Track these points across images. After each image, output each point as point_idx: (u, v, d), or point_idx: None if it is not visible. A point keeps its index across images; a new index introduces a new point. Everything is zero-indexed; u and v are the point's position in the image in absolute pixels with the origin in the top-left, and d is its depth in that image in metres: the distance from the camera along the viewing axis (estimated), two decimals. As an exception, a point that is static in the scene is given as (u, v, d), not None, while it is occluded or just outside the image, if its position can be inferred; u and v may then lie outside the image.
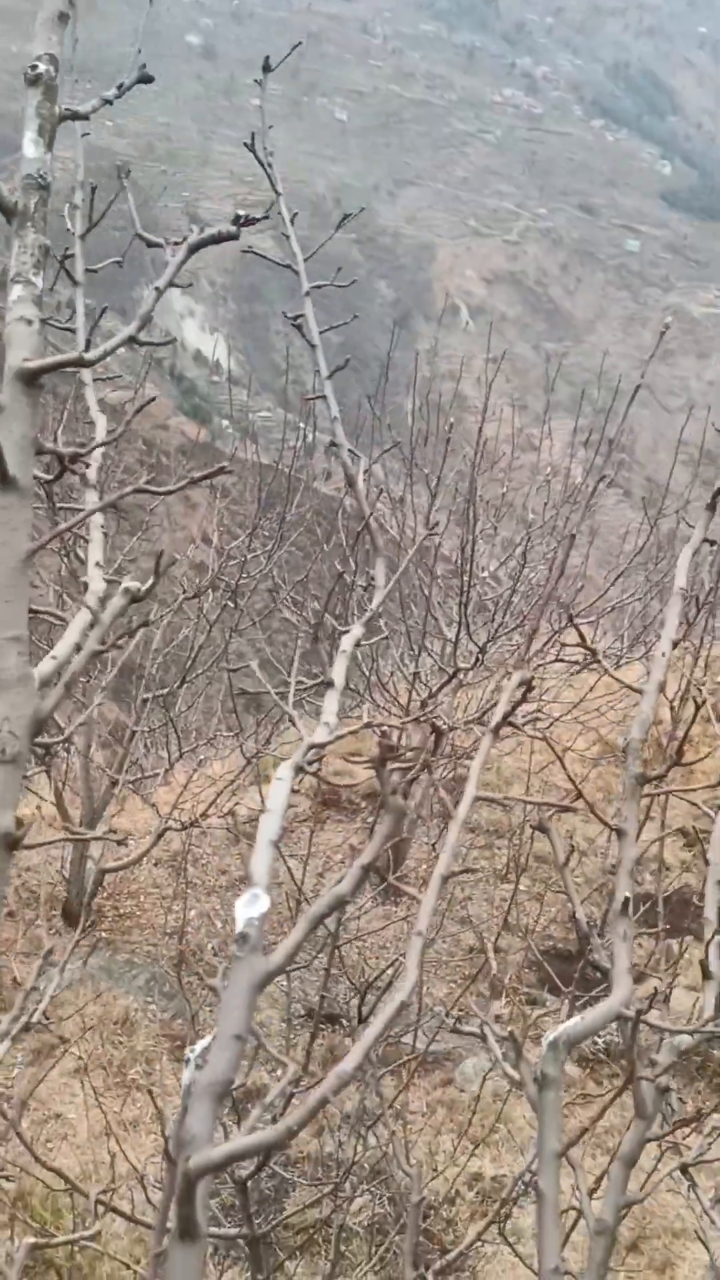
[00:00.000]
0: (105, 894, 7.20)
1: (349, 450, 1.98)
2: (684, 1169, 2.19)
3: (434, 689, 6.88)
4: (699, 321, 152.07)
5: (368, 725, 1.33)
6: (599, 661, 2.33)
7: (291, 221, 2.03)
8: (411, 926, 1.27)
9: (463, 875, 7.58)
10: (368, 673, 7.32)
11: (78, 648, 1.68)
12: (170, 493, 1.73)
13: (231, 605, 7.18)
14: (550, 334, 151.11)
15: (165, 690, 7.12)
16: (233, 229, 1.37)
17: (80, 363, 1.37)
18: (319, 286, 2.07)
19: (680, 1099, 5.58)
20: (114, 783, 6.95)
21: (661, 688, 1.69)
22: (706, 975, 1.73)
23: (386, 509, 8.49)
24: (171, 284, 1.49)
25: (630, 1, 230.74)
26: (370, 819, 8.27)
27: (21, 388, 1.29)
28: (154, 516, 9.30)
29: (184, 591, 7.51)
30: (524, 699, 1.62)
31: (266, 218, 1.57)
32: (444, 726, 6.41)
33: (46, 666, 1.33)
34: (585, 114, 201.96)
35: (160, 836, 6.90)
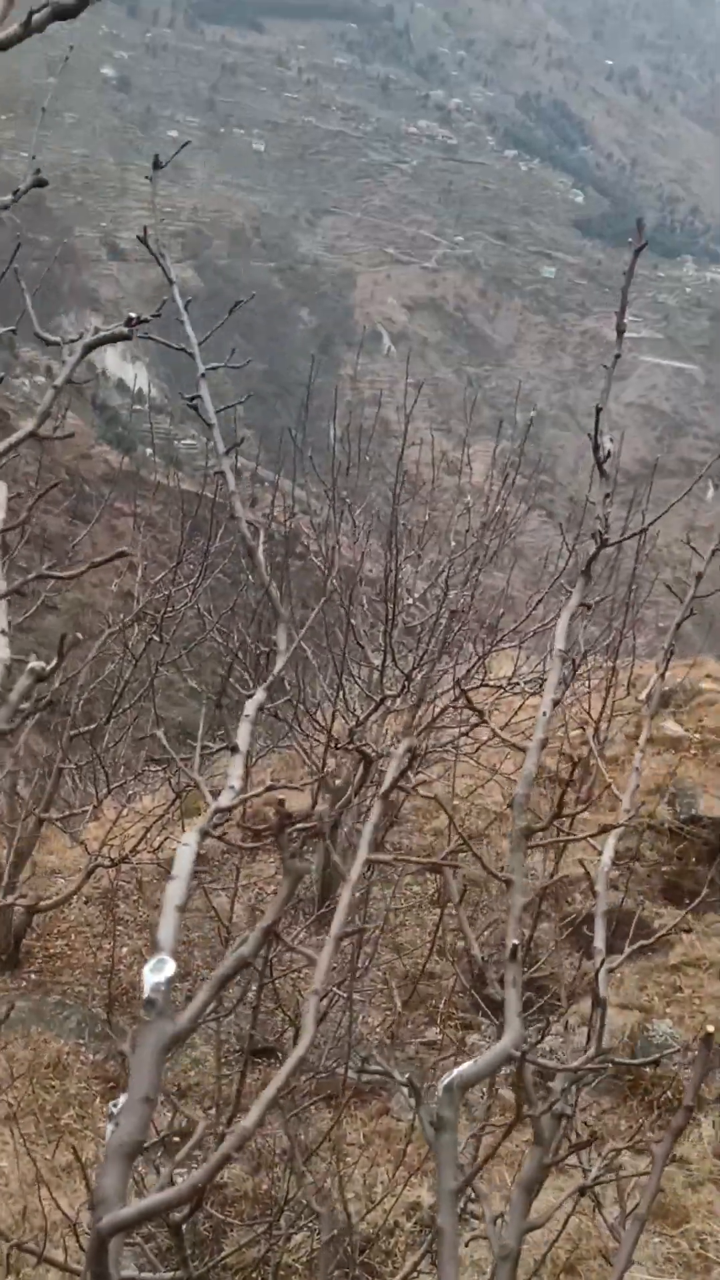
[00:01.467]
0: (35, 934, 7.08)
1: (247, 523, 2.01)
2: (583, 1191, 2.23)
3: (361, 716, 6.90)
4: (614, 345, 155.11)
5: (270, 788, 1.34)
6: (485, 722, 2.40)
7: (185, 307, 2.05)
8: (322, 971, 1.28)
9: (395, 902, 7.58)
10: (295, 702, 7.31)
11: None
12: (73, 577, 1.74)
13: (157, 639, 7.14)
14: (471, 359, 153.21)
15: (92, 725, 7.04)
16: (125, 329, 1.40)
17: None
18: (214, 368, 2.09)
19: (599, 1120, 5.63)
20: (40, 821, 6.85)
21: (544, 745, 1.77)
22: (596, 1002, 1.77)
23: (311, 533, 8.52)
24: (69, 380, 1.51)
25: (539, 34, 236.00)
26: (302, 849, 8.25)
27: None
28: (77, 549, 9.23)
29: (109, 624, 7.45)
30: (411, 765, 1.66)
31: (159, 315, 1.61)
32: (372, 754, 6.43)
33: None
34: (498, 144, 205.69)
35: (90, 874, 6.81)
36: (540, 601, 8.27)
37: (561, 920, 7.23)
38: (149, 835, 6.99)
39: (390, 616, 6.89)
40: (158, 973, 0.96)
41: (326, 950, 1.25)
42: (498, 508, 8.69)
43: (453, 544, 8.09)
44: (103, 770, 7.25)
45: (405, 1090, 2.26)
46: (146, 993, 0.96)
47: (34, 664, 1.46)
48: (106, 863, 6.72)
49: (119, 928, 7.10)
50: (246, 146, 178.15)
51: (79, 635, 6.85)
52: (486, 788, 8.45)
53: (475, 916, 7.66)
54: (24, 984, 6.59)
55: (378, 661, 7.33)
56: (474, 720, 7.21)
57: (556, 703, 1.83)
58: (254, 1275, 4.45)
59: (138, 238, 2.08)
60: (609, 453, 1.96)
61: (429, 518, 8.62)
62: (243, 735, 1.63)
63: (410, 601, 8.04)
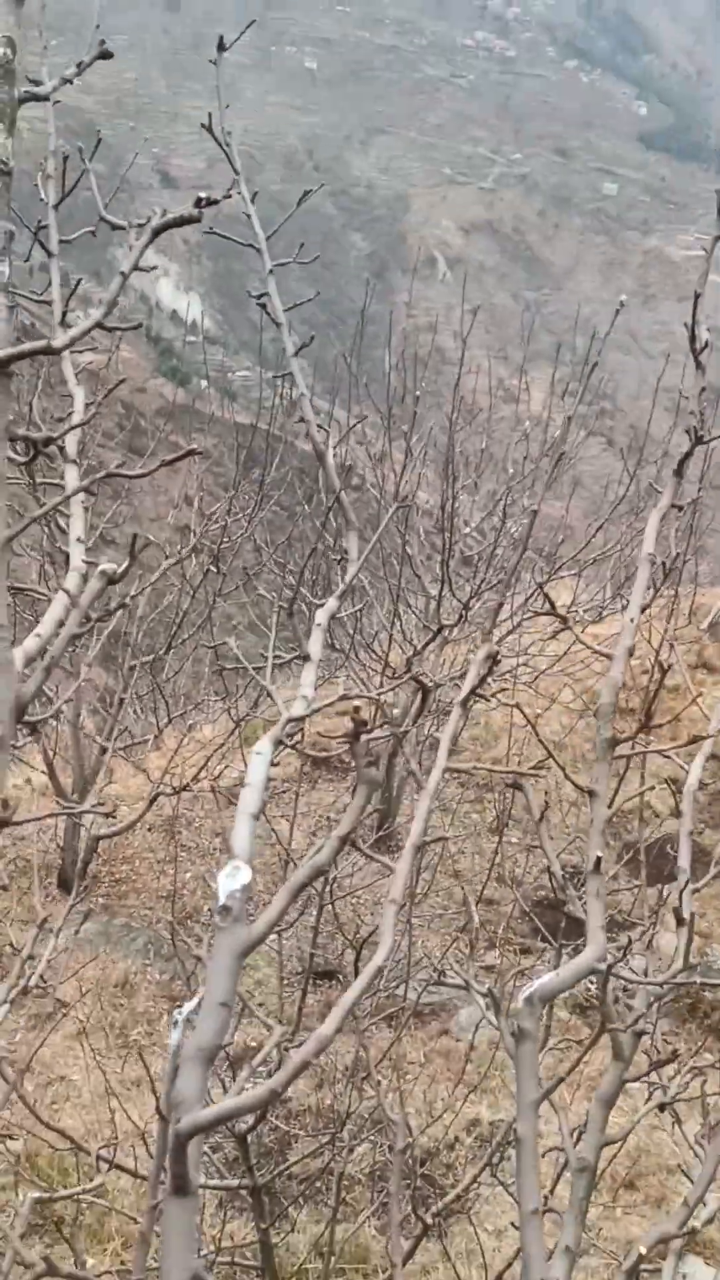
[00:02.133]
0: (100, 860, 7.27)
1: (318, 425, 1.99)
2: (662, 1107, 2.26)
3: (418, 647, 6.92)
4: (678, 265, 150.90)
5: (344, 698, 1.35)
6: (568, 627, 2.39)
7: (252, 200, 2.02)
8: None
9: (453, 829, 7.66)
10: (352, 632, 7.34)
11: (60, 624, 1.69)
12: (143, 475, 1.75)
13: (214, 570, 7.18)
14: (529, 282, 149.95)
15: (152, 657, 7.14)
16: (195, 211, 1.37)
17: (47, 350, 1.38)
18: (282, 264, 2.07)
19: (666, 1041, 5.69)
20: (104, 750, 6.99)
21: (630, 652, 1.73)
22: (680, 922, 1.78)
23: (368, 464, 8.47)
24: (137, 268, 1.50)
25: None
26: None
27: (-8, 377, 1.29)
28: (135, 481, 9.29)
29: (166, 556, 7.51)
30: (490, 671, 1.66)
31: (229, 197, 1.57)
32: (429, 684, 6.45)
33: (31, 644, 1.35)
34: (558, 55, 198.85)
35: (152, 802, 6.95)
36: (600, 529, 8.17)
37: (622, 848, 7.26)
38: (209, 764, 7.10)
39: (447, 546, 6.85)
40: (233, 879, 0.98)
41: (404, 859, 1.27)
42: (557, 435, 8.58)
43: (510, 472, 8.01)
44: (163, 700, 7.36)
45: (483, 1003, 2.29)
46: (221, 900, 0.98)
47: (104, 566, 1.48)
48: (168, 791, 6.85)
49: (181, 854, 7.26)
50: (298, 65, 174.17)
51: (150, 538, 6.90)
52: (545, 717, 8.45)
53: (533, 845, 7.73)
54: (92, 907, 6.78)
55: (435, 591, 7.32)
56: (555, 628, 7.11)
57: (644, 608, 1.77)
58: (318, 1185, 4.61)
59: (201, 125, 2.04)
60: (707, 343, 1.85)
61: (485, 446, 8.52)
62: (315, 644, 1.64)
63: (467, 531, 8.00)
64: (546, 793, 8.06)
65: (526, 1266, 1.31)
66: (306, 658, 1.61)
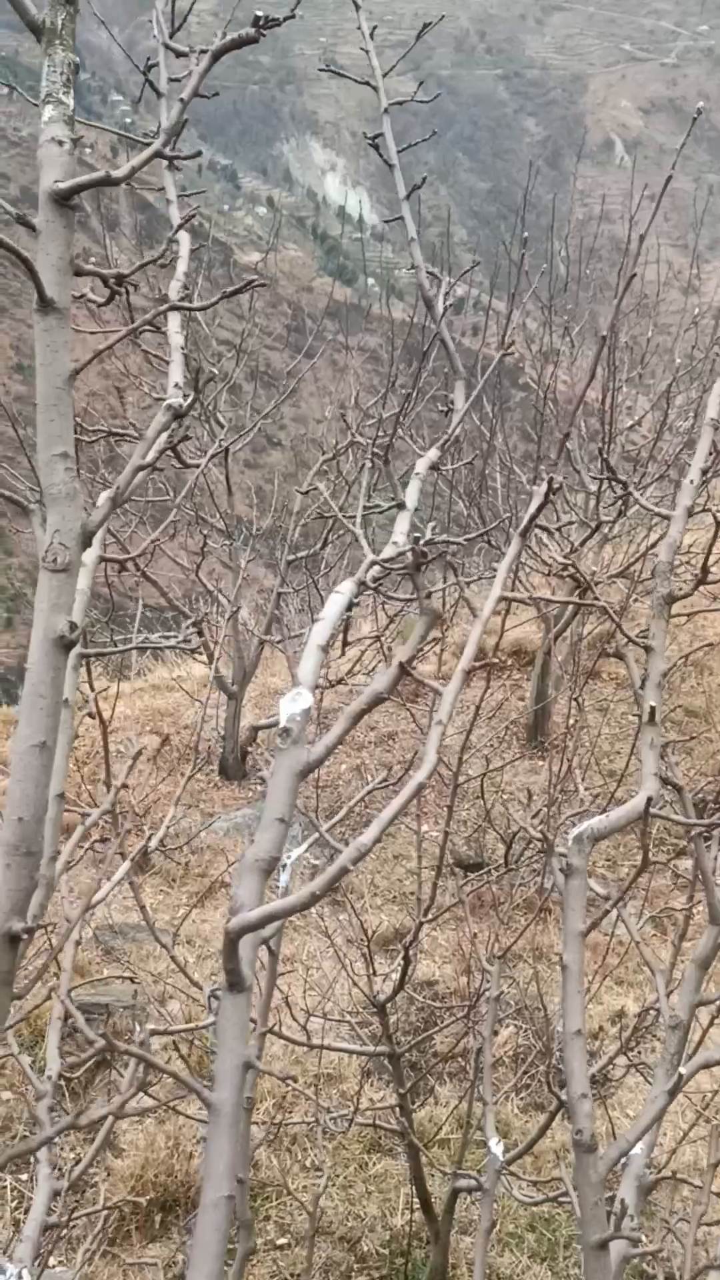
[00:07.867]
0: (260, 749, 7.51)
1: (429, 272, 1.97)
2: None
3: (576, 543, 6.80)
4: None
5: (424, 542, 1.36)
6: (630, 493, 2.34)
7: (371, 35, 1.99)
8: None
9: (606, 729, 7.59)
10: (507, 526, 7.26)
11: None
12: (203, 308, 1.77)
13: (370, 465, 7.18)
14: (713, 165, 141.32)
15: (308, 552, 7.24)
16: (253, 32, 1.36)
17: (107, 181, 1.39)
18: (398, 103, 2.03)
19: None
20: (262, 644, 7.18)
21: (690, 512, 1.75)
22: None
23: (530, 358, 8.25)
24: (196, 94, 1.50)
25: None
26: (515, 676, 8.33)
27: (55, 209, 1.31)
28: (300, 383, 9.38)
29: (323, 453, 7.55)
30: (547, 501, 1.65)
31: (292, 17, 1.54)
32: (588, 581, 6.35)
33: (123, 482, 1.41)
34: None
35: (309, 694, 7.12)
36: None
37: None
38: (363, 658, 7.21)
39: (607, 439, 6.67)
40: (294, 703, 1.02)
41: (453, 683, 1.30)
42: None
43: (677, 363, 7.69)
44: (319, 595, 7.48)
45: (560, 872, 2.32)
46: (283, 722, 1.02)
47: (171, 400, 1.52)
48: (324, 684, 6.99)
49: (339, 746, 7.43)
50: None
51: (211, 370, 6.84)
52: (710, 616, 8.22)
53: (692, 747, 7.60)
54: (250, 794, 7.04)
55: (594, 487, 7.16)
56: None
57: (705, 472, 1.80)
58: (462, 1064, 4.75)
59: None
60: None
61: (651, 335, 8.19)
62: (411, 493, 1.67)
63: (630, 424, 7.75)
64: (707, 694, 7.82)
65: (569, 1081, 1.37)
66: (402, 505, 1.62)
